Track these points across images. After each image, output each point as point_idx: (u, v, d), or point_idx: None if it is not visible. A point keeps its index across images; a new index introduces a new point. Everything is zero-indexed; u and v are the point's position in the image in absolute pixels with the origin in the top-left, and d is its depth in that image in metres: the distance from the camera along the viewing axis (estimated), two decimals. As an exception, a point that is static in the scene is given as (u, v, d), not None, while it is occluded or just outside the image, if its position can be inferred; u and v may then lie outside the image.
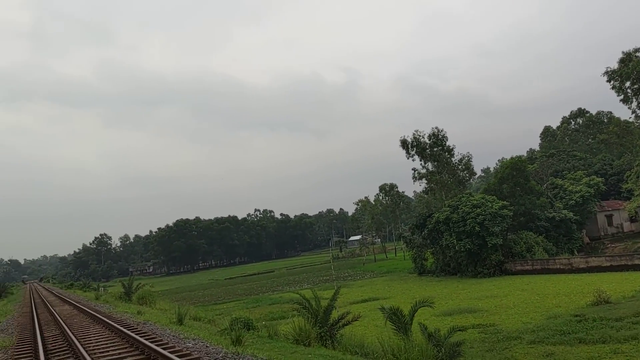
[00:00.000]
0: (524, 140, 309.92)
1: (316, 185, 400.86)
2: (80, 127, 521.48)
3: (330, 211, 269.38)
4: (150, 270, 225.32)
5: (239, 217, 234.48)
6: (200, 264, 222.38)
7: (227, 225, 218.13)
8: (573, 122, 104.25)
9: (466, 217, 61.52)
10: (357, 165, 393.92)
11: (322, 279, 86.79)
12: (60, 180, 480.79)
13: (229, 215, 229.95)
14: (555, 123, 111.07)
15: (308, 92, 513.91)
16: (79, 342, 14.08)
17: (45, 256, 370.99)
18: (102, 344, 13.83)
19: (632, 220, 74.26)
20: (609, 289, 38.11)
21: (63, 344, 14.85)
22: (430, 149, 70.94)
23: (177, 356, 10.30)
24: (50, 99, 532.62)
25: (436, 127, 69.58)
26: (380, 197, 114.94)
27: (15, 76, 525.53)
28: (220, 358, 10.59)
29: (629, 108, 62.54)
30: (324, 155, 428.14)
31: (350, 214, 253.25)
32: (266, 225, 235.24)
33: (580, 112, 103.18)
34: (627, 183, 68.40)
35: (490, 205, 61.33)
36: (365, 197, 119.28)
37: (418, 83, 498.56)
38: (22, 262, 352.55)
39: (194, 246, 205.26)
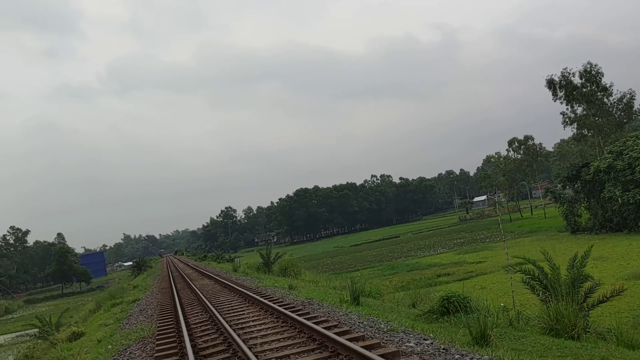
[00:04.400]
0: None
1: (428, 149, 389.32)
2: (188, 110, 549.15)
3: (450, 172, 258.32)
4: (274, 240, 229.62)
5: (357, 184, 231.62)
6: (322, 232, 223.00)
7: (346, 193, 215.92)
8: None
9: (635, 163, 52.40)
10: (470, 124, 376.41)
11: (456, 242, 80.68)
12: (183, 160, 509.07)
13: (347, 183, 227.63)
14: None
15: (405, 55, 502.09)
16: (239, 336, 10.01)
17: (177, 231, 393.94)
18: (272, 340, 9.59)
19: None
20: None
21: (217, 337, 10.88)
22: (580, 89, 61.56)
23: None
24: (158, 87, 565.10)
25: (589, 62, 59.94)
26: (510, 153, 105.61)
27: (125, 68, 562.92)
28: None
29: None
30: (432, 118, 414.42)
31: (472, 173, 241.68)
32: (385, 191, 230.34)
33: None
34: None
35: (664, 147, 51.73)
36: (496, 153, 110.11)
37: (522, 34, 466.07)
38: (157, 237, 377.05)
39: (315, 214, 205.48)
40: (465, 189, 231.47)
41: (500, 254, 56.35)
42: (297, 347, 8.72)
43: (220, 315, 13.26)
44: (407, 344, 7.98)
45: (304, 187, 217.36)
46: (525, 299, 29.41)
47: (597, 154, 61.71)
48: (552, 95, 62.37)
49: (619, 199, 54.30)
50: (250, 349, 8.73)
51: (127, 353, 11.78)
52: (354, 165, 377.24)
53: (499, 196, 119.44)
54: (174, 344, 10.96)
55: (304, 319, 10.66)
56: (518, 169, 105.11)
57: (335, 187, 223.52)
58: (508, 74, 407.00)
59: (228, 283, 23.35)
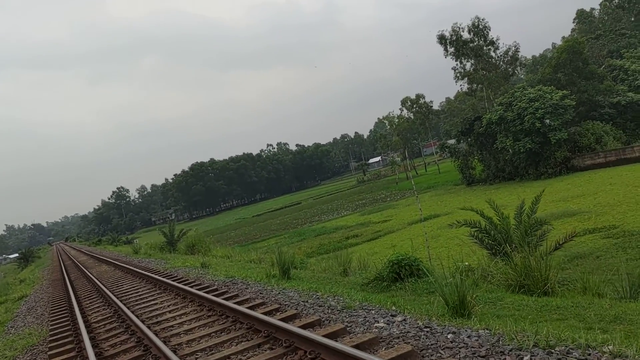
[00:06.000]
0: (536, 38, 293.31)
1: (321, 114, 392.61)
2: (67, 89, 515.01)
3: (344, 136, 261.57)
4: (173, 217, 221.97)
5: (254, 154, 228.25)
6: (221, 205, 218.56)
7: (243, 163, 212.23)
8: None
9: (523, 113, 54.58)
10: (359, 89, 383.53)
11: (358, 204, 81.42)
12: (66, 142, 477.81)
13: (244, 153, 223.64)
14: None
15: (289, 21, 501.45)
16: (156, 334, 8.00)
17: (66, 217, 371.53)
18: (201, 337, 7.63)
19: None
20: None
21: (127, 338, 8.75)
22: (469, 44, 62.98)
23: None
24: (28, 66, 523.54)
25: (477, 17, 61.28)
26: (404, 112, 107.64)
27: None
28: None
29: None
30: (321, 83, 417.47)
31: (365, 136, 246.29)
32: (282, 159, 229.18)
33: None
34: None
35: (549, 96, 54.16)
36: (390, 113, 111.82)
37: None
38: (45, 225, 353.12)
39: (213, 188, 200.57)
40: (361, 152, 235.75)
41: (404, 211, 57.12)
42: (237, 344, 6.86)
43: (128, 308, 11.09)
44: (376, 324, 6.43)
45: (199, 161, 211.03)
46: (438, 254, 29.36)
47: (488, 107, 63.82)
48: (444, 51, 63.44)
49: (510, 148, 56.48)
50: (175, 352, 6.79)
51: (12, 369, 9.38)
52: (249, 135, 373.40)
53: (393, 156, 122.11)
54: (72, 353, 8.72)
55: (234, 303, 8.81)
56: (411, 128, 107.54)
57: (231, 158, 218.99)
58: (389, 36, 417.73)
59: (130, 267, 20.80)
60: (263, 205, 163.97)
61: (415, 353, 5.04)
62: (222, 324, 8.09)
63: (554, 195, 43.08)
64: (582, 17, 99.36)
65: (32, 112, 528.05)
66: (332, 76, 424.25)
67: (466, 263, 9.97)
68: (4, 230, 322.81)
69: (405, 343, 5.44)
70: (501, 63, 63.99)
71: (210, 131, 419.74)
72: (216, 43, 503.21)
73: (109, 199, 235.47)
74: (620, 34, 75.96)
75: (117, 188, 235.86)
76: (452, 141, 73.06)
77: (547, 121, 53.27)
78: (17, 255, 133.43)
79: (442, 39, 62.58)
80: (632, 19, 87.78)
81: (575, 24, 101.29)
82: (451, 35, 61.69)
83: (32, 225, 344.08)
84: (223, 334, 7.57)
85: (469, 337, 5.40)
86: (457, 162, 67.25)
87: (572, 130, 55.13)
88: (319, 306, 7.98)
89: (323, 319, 7.07)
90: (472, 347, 5.04)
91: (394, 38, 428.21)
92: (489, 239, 11.00)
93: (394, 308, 7.31)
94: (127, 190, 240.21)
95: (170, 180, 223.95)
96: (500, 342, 5.05)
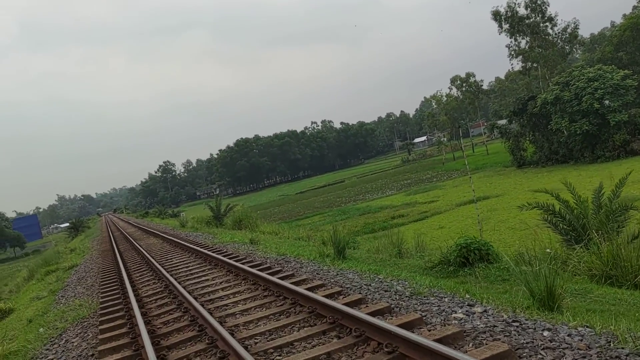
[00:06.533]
0: (591, 17, 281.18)
1: (367, 94, 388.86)
2: (112, 64, 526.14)
3: (389, 115, 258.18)
4: (217, 192, 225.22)
5: (298, 131, 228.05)
6: (265, 182, 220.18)
7: (287, 140, 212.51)
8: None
9: (581, 93, 52.17)
10: (405, 67, 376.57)
11: (403, 183, 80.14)
12: (113, 116, 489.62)
13: (288, 130, 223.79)
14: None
15: (331, 3, 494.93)
16: (210, 313, 7.58)
17: (114, 189, 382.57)
18: (259, 319, 7.16)
19: None
20: None
21: (180, 316, 8.40)
22: (523, 20, 60.42)
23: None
24: (78, 42, 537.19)
25: (533, -11, 58.67)
26: (453, 91, 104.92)
27: (38, 24, 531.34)
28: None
29: None
30: (365, 62, 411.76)
31: (411, 115, 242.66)
32: (326, 136, 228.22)
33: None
34: None
35: (609, 76, 51.56)
36: (438, 92, 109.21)
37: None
38: (94, 196, 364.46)
39: (257, 164, 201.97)
40: (406, 131, 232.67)
41: (451, 192, 55.83)
42: (299, 330, 6.34)
43: (179, 283, 10.76)
44: (454, 315, 5.80)
45: (244, 137, 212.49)
46: (489, 237, 28.29)
47: (543, 86, 61.41)
48: (498, 27, 61.12)
49: (566, 130, 54.28)
50: (232, 334, 6.33)
51: (63, 341, 9.17)
52: (293, 113, 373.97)
53: (440, 136, 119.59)
54: (122, 329, 8.42)
55: (291, 284, 8.32)
56: (459, 107, 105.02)
57: (276, 135, 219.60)
58: (436, 16, 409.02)
59: (179, 241, 20.70)
60: (306, 183, 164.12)
61: (511, 353, 4.38)
62: (280, 305, 7.60)
63: (612, 180, 41.16)
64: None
65: (79, 86, 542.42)
66: (377, 56, 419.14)
67: (548, 250, 9.16)
68: (55, 200, 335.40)
69: (495, 340, 4.79)
70: (559, 41, 61.23)
71: (254, 107, 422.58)
72: (258, 19, 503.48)
73: (155, 172, 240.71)
74: (689, 10, 71.44)
75: (164, 162, 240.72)
76: (502, 121, 70.77)
77: (607, 102, 50.89)
78: (67, 224, 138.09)
79: (496, 15, 60.29)
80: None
81: (638, 1, 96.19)
82: (506, 12, 59.40)
83: (82, 196, 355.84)
84: (282, 317, 7.08)
85: (569, 335, 4.71)
86: (508, 143, 65.17)
87: (633, 112, 52.53)
88: (385, 291, 7.39)
89: (392, 306, 6.48)
90: (579, 349, 4.35)
91: (441, 18, 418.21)
92: (563, 224, 10.17)
93: (468, 296, 6.66)
94: (173, 165, 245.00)
95: (215, 156, 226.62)
96: (612, 345, 4.35)
